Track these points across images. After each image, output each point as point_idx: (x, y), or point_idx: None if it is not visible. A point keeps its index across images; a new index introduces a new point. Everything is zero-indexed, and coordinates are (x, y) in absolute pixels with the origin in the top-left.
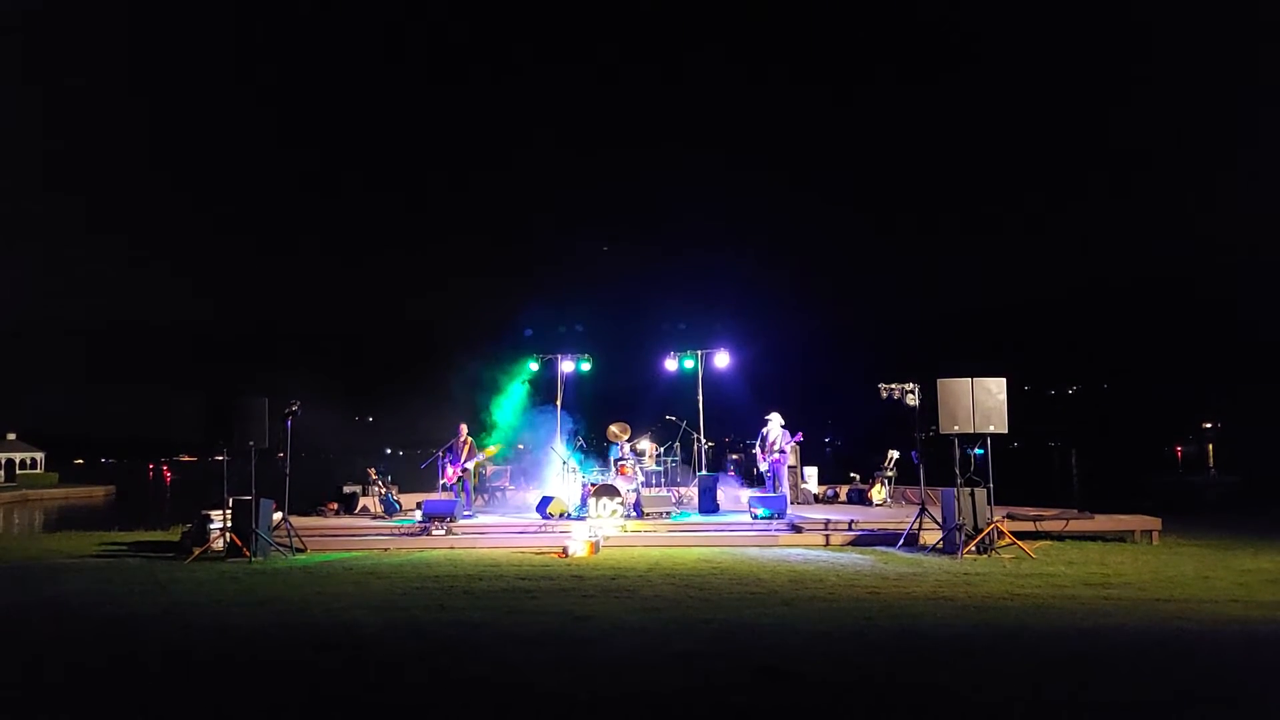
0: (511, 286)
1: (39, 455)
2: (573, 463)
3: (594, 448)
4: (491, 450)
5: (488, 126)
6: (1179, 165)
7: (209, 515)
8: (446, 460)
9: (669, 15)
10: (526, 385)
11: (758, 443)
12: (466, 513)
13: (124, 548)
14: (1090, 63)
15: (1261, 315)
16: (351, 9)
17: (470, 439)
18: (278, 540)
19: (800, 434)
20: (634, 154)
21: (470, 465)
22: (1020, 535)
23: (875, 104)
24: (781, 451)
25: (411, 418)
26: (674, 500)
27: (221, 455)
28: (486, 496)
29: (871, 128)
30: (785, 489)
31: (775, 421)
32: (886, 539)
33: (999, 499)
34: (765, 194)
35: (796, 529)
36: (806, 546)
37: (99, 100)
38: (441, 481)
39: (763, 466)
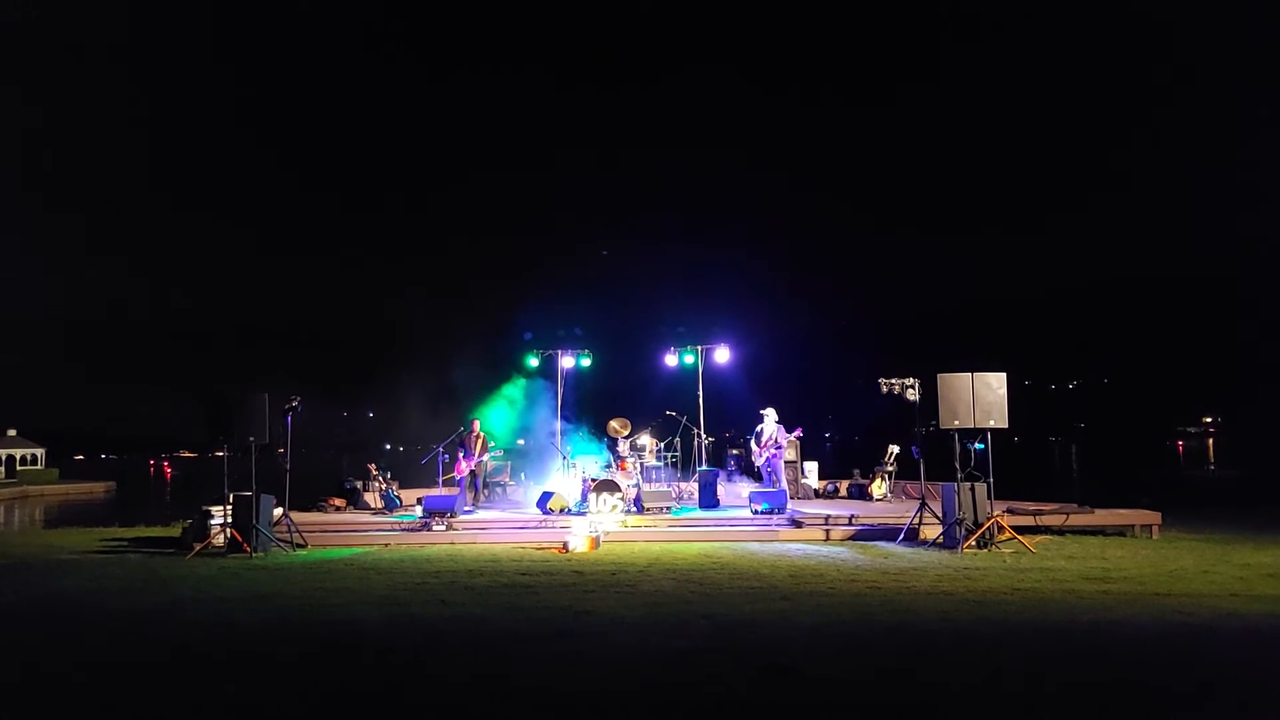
0: (512, 282)
1: (39, 451)
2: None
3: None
4: (498, 452)
5: (487, 126)
6: (1179, 162)
7: (210, 511)
8: (460, 454)
9: (668, 17)
10: (526, 381)
11: (752, 438)
12: (467, 508)
13: (125, 543)
14: (1090, 63)
15: (1261, 312)
16: (345, 5)
17: (483, 435)
18: (278, 536)
19: (800, 429)
20: (633, 153)
21: (485, 459)
22: (1020, 530)
23: (874, 102)
24: (778, 447)
25: (412, 414)
26: (674, 495)
27: (222, 451)
28: (487, 492)
29: (872, 126)
30: (784, 484)
31: (770, 418)
32: (887, 534)
33: (999, 494)
34: (765, 192)
35: (797, 524)
36: (807, 541)
37: (94, 102)
38: (450, 475)
39: (758, 462)
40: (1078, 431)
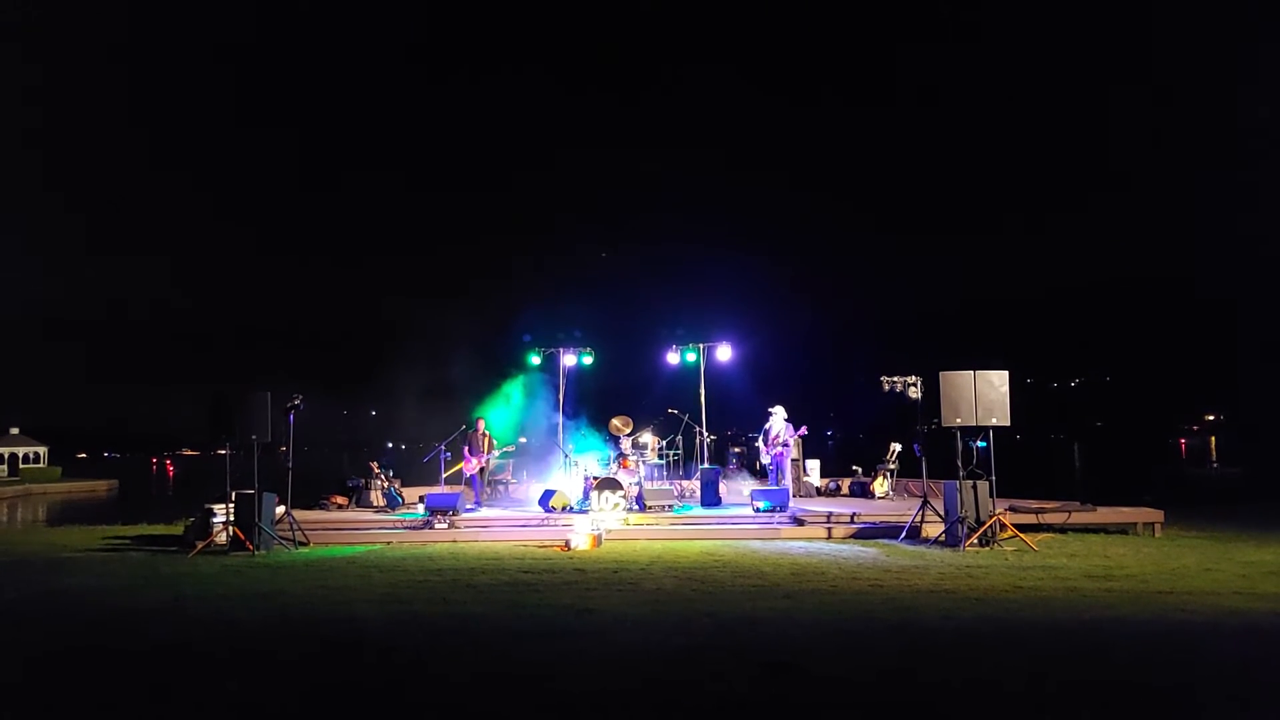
0: (512, 282)
1: (42, 450)
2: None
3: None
4: (510, 448)
5: (487, 126)
6: (1179, 162)
7: (212, 509)
8: (465, 452)
9: (668, 17)
10: (527, 379)
11: (760, 436)
12: (469, 506)
13: (127, 541)
14: (1090, 64)
15: (1261, 311)
16: (344, 5)
17: (489, 434)
18: (281, 534)
19: (804, 427)
20: (633, 153)
21: (493, 456)
22: (1022, 528)
23: (874, 102)
24: (785, 445)
25: (413, 412)
26: (676, 493)
27: (224, 449)
28: (490, 490)
29: (872, 126)
30: (788, 482)
31: (779, 415)
32: (889, 531)
33: (1001, 491)
34: (766, 190)
35: (799, 522)
36: (809, 539)
37: (96, 96)
38: (457, 469)
39: (765, 460)
40: (1082, 429)
